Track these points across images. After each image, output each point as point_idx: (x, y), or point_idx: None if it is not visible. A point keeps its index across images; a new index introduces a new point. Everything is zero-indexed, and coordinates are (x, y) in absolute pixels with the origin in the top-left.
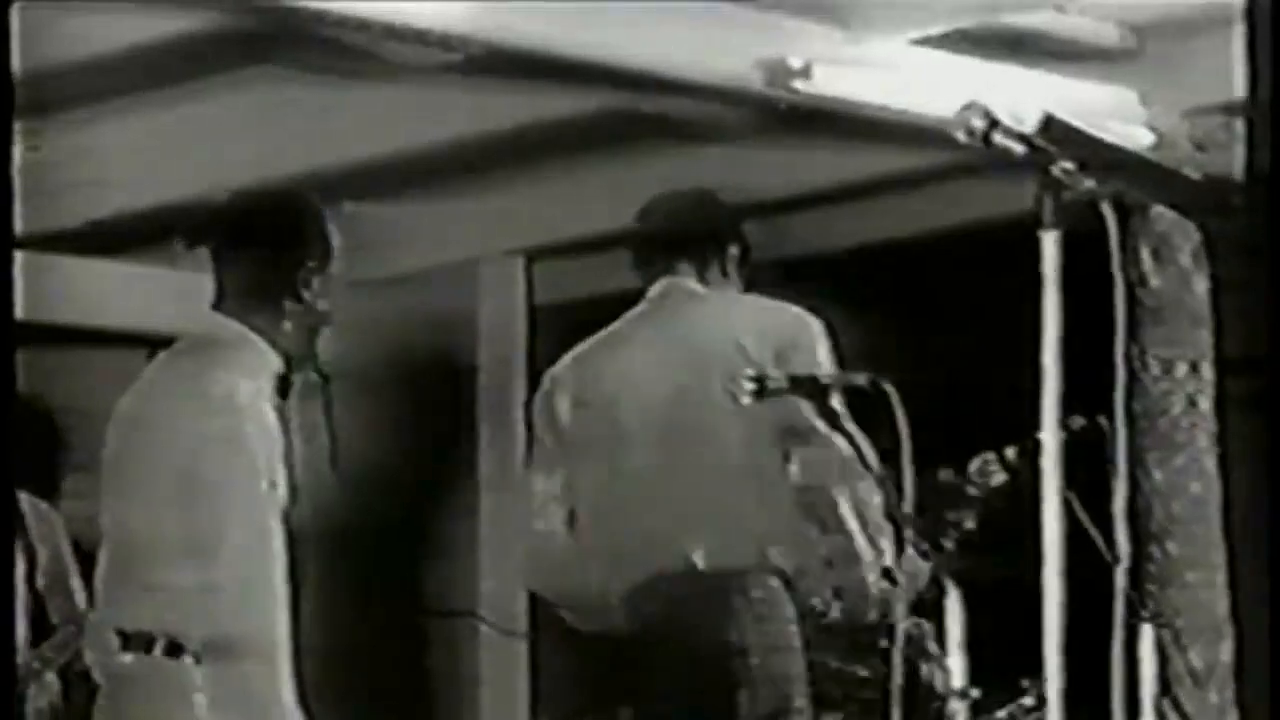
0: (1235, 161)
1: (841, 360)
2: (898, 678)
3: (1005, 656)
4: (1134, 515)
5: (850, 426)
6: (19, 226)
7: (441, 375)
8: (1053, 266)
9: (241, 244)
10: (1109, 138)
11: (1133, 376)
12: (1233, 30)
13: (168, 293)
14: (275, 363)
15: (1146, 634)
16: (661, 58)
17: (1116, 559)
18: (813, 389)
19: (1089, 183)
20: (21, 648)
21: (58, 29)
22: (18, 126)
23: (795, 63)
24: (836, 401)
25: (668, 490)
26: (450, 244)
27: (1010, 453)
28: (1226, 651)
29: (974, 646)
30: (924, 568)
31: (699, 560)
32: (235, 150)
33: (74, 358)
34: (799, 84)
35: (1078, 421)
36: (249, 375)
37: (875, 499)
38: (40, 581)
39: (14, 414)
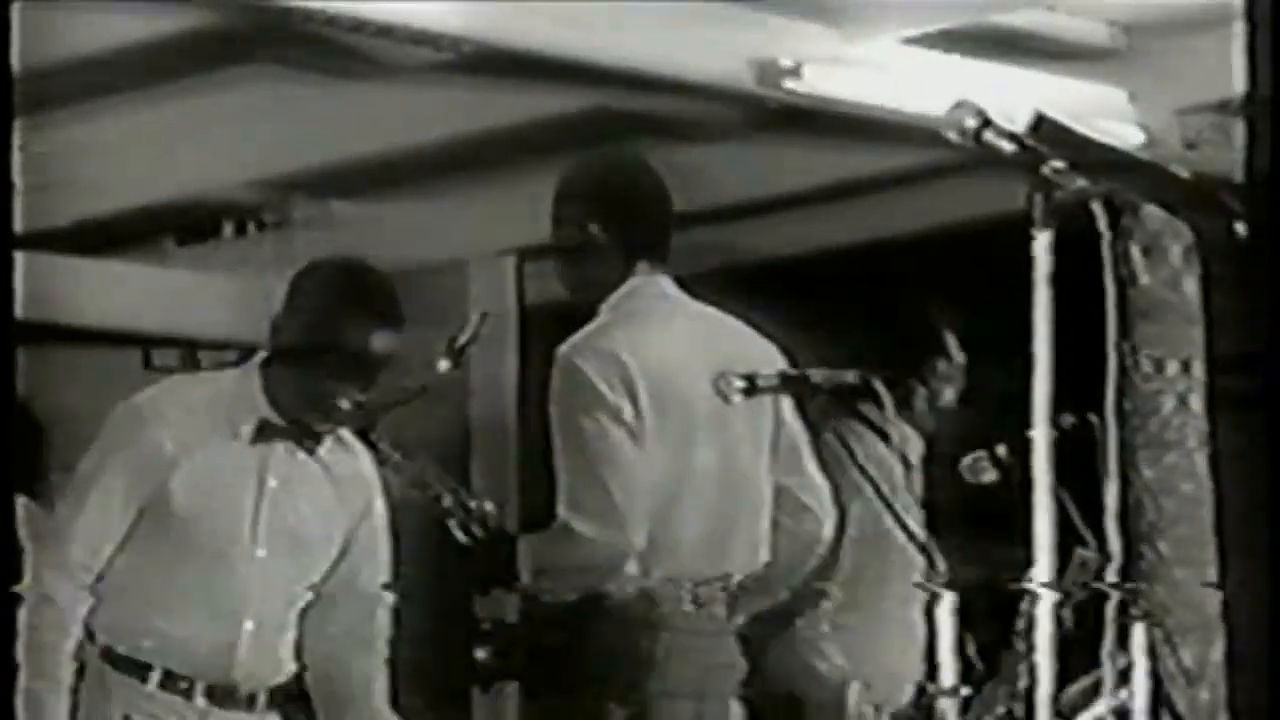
0: (1226, 160)
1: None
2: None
3: (996, 655)
4: (1125, 513)
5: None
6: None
7: (432, 374)
8: (1044, 265)
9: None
10: (1100, 137)
11: (1124, 375)
12: (1223, 29)
13: (159, 292)
14: (257, 404)
15: (1137, 632)
16: (652, 57)
17: (1107, 557)
18: (803, 387)
19: (1080, 182)
20: None
21: (50, 27)
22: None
23: (786, 62)
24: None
25: (728, 490)
26: (441, 243)
27: (1001, 450)
28: (1217, 650)
29: (963, 644)
30: None
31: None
32: (227, 149)
33: (65, 357)
34: (790, 83)
35: (1069, 419)
36: (196, 397)
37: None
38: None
39: (12, 414)
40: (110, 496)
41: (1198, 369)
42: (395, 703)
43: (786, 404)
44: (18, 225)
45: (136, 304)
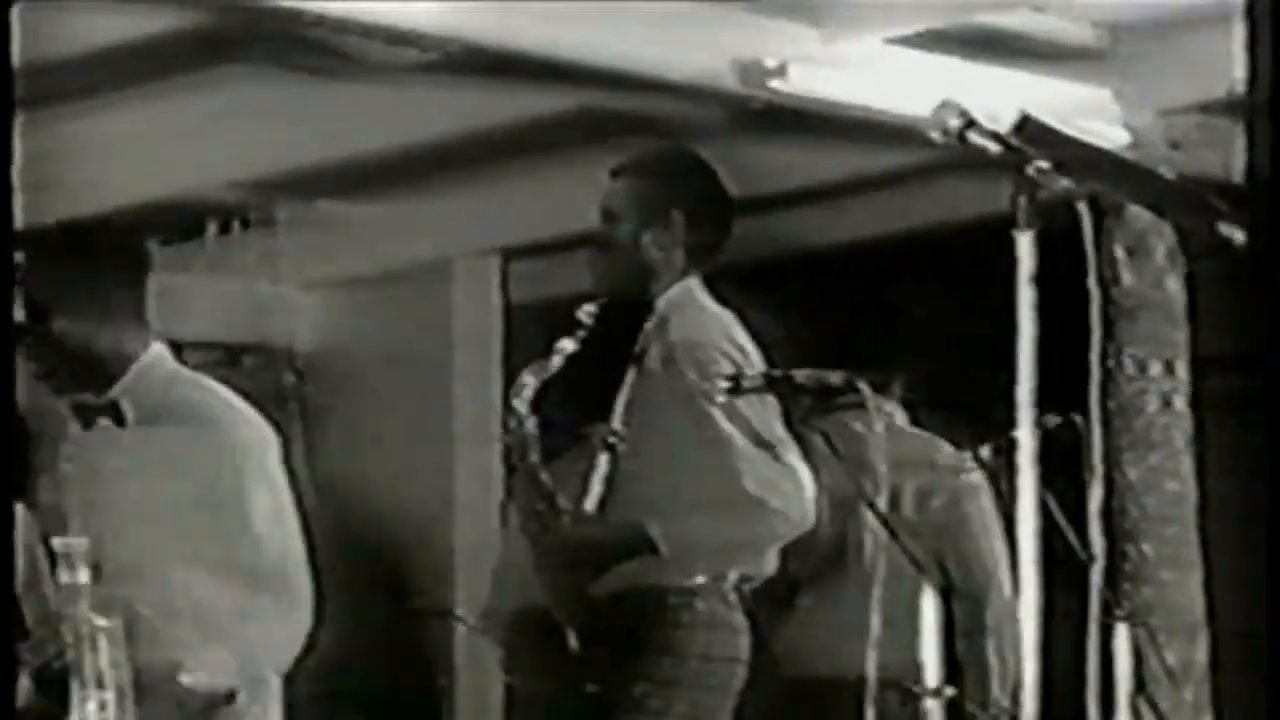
0: (1211, 161)
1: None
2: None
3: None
4: (1109, 514)
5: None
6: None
7: (416, 373)
8: (1028, 265)
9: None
10: (1084, 137)
11: (1108, 375)
12: (1208, 29)
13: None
14: None
15: (1122, 632)
16: (637, 57)
17: (1092, 558)
18: (787, 387)
19: (1064, 182)
20: None
21: (39, 27)
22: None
23: (770, 62)
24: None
25: None
26: (425, 242)
27: (985, 451)
28: (1202, 650)
29: (949, 644)
30: None
31: None
32: (210, 149)
33: None
34: (774, 83)
35: (1053, 420)
36: None
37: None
38: (18, 584)
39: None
40: None
41: (1182, 369)
42: None
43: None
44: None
45: None
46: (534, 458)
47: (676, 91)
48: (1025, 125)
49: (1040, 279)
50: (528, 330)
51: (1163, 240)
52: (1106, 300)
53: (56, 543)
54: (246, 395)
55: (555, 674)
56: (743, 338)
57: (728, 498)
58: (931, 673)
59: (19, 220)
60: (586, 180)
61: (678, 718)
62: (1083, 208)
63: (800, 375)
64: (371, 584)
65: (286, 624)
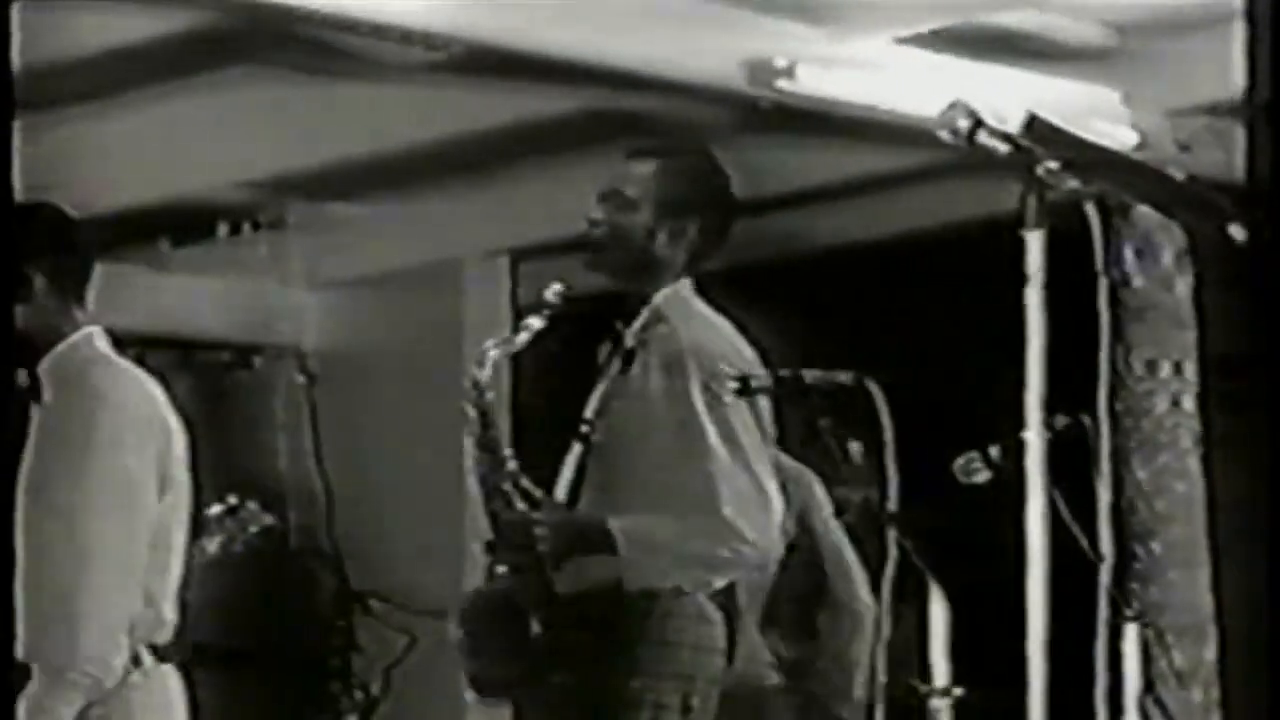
0: (1219, 161)
1: (816, 362)
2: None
3: (988, 656)
4: (1118, 514)
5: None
6: None
7: (426, 374)
8: (1036, 266)
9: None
10: (1093, 138)
11: (1116, 376)
12: (1217, 30)
13: (153, 293)
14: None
15: (1130, 633)
16: (645, 57)
17: (1100, 558)
18: (796, 388)
19: (1073, 183)
20: None
21: (43, 27)
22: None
23: (779, 62)
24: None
25: None
26: (434, 243)
27: (994, 451)
28: (1210, 650)
29: (957, 645)
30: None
31: None
32: (220, 150)
33: None
34: (782, 83)
35: (1061, 420)
36: None
37: None
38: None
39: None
40: None
41: (1190, 370)
42: None
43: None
44: None
45: (131, 305)
46: (494, 432)
47: (685, 91)
48: (1034, 126)
49: (1049, 280)
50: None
51: (1171, 241)
52: (1115, 301)
53: None
54: (256, 395)
55: (517, 661)
56: (746, 348)
57: (702, 514)
58: (940, 673)
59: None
60: (595, 180)
61: (673, 711)
62: (1091, 208)
63: (809, 376)
64: (376, 584)
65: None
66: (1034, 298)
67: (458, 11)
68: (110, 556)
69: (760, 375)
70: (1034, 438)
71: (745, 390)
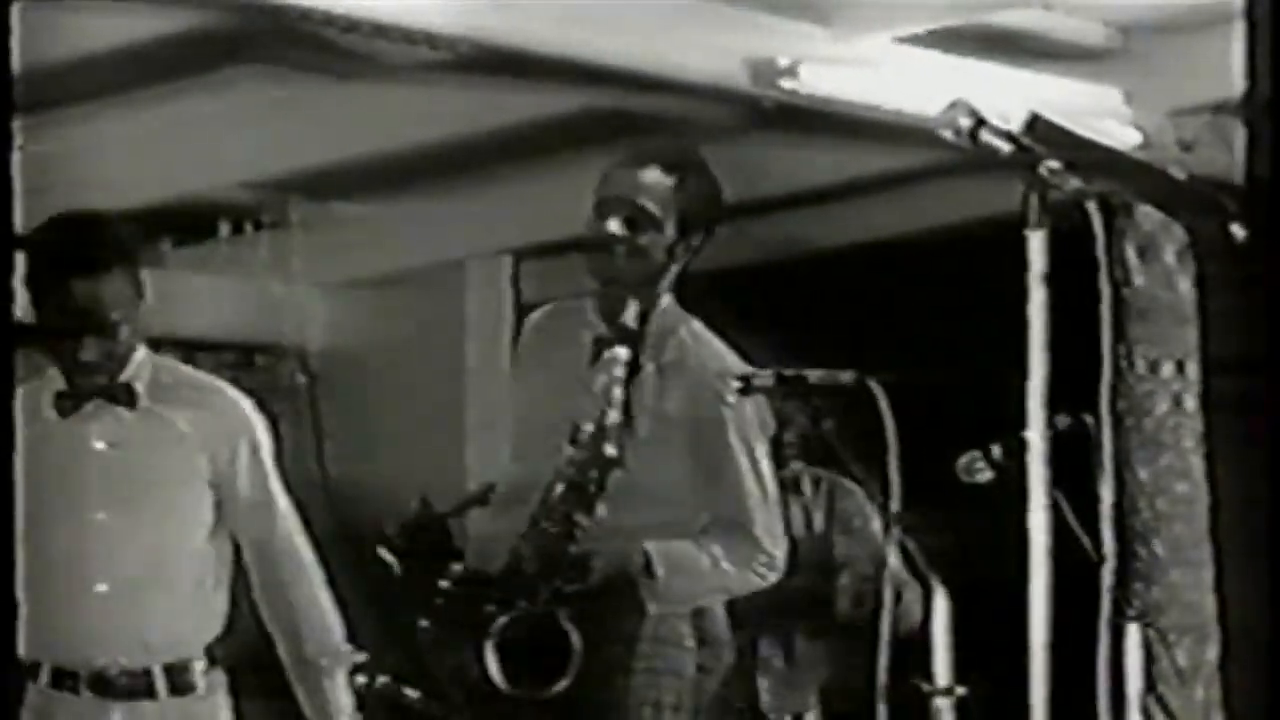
0: (1222, 161)
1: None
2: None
3: (990, 655)
4: (1120, 514)
5: None
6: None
7: (429, 373)
8: (1038, 265)
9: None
10: (1095, 137)
11: (1118, 375)
12: (1219, 29)
13: (156, 293)
14: (48, 377)
15: (1132, 632)
16: (648, 56)
17: (1102, 557)
18: (799, 387)
19: (1075, 182)
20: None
21: (46, 27)
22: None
23: (782, 61)
24: None
25: None
26: (438, 243)
27: (996, 451)
28: (1212, 650)
29: (959, 644)
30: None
31: None
32: (221, 150)
33: None
34: (785, 83)
35: (1063, 420)
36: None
37: None
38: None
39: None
40: None
41: (1192, 370)
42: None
43: None
44: (28, 226)
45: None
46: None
47: (688, 91)
48: (1036, 125)
49: (1051, 279)
50: None
51: (1173, 240)
52: (1117, 300)
53: None
54: (257, 395)
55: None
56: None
57: (735, 536)
58: (942, 672)
59: (39, 220)
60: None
61: (670, 710)
62: (1093, 208)
63: (813, 375)
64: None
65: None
66: (1036, 297)
67: (461, 11)
68: None
69: (763, 374)
70: (1036, 437)
71: (748, 390)
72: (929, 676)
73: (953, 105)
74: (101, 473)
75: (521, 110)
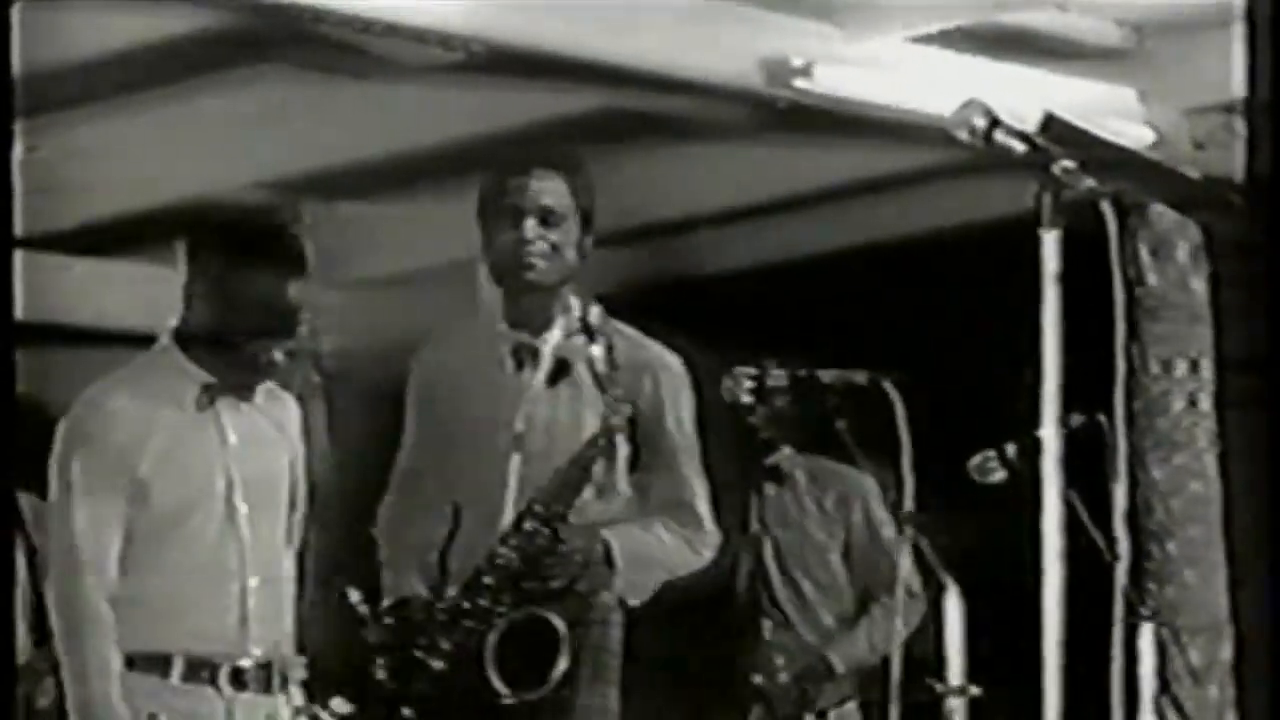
0: (1235, 160)
1: (831, 362)
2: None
3: (1004, 654)
4: (1134, 514)
5: None
6: (19, 226)
7: None
8: (1052, 265)
9: (209, 249)
10: (1109, 136)
11: (1132, 375)
12: (1232, 29)
13: (168, 293)
14: (189, 371)
15: (1146, 632)
16: (661, 56)
17: (1116, 557)
18: (811, 388)
19: (1089, 181)
20: (25, 647)
21: (57, 28)
22: (18, 126)
23: (795, 61)
24: None
25: None
26: (450, 243)
27: (1010, 450)
28: (1226, 650)
29: (973, 644)
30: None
31: None
32: (234, 150)
33: (72, 358)
34: (799, 83)
35: (1077, 419)
36: (136, 383)
37: None
38: (42, 581)
39: (12, 415)
40: (95, 501)
41: (1206, 369)
42: None
43: None
44: (29, 227)
45: (144, 305)
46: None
47: (702, 91)
48: (1050, 125)
49: (1065, 278)
50: None
51: (1187, 239)
52: (1131, 300)
53: None
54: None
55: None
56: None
57: (681, 514)
58: (956, 672)
59: (55, 221)
60: (610, 181)
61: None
62: (1107, 207)
63: (825, 376)
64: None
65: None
66: (1050, 296)
67: (474, 12)
68: None
69: (777, 375)
70: (1050, 437)
71: (761, 390)
72: (942, 677)
73: (966, 105)
74: (239, 465)
75: (534, 110)
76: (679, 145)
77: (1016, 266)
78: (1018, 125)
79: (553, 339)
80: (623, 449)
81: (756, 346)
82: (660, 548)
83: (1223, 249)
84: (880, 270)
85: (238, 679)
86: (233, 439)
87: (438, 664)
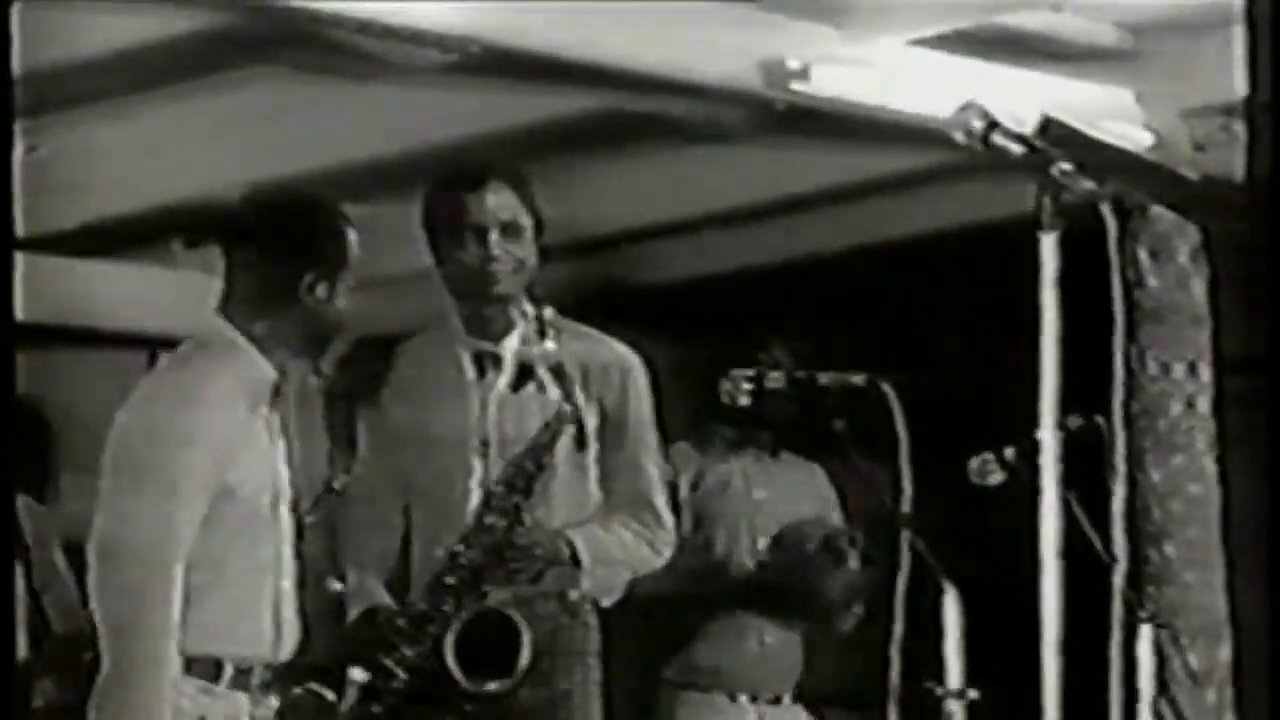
0: (1234, 162)
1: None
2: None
3: (1003, 657)
4: (1132, 516)
5: None
6: (19, 227)
7: None
8: (1051, 267)
9: (249, 246)
10: (1108, 139)
11: (1131, 377)
12: (1231, 30)
13: (168, 294)
14: (265, 371)
15: (1144, 634)
16: (659, 58)
17: (1115, 559)
18: (810, 389)
19: (1088, 184)
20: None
21: (56, 28)
22: (18, 126)
23: (793, 63)
24: None
25: None
26: None
27: (1009, 452)
28: (1225, 652)
29: (971, 647)
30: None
31: None
32: (234, 151)
33: (72, 359)
34: (797, 84)
35: (1076, 422)
36: (226, 380)
37: None
38: (36, 581)
39: (12, 415)
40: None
41: (1205, 371)
42: None
43: None
44: (29, 227)
45: (145, 306)
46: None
47: (700, 93)
48: (1048, 127)
49: (1064, 280)
50: None
51: (1186, 241)
52: (1130, 302)
53: None
54: None
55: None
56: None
57: (641, 512)
58: (954, 674)
59: (52, 221)
60: (609, 183)
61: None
62: (1106, 209)
63: (824, 377)
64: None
65: None
66: (1049, 299)
67: (472, 13)
68: None
69: (775, 377)
70: (1048, 439)
71: (760, 391)
72: (941, 679)
73: (965, 107)
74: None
75: (531, 112)
76: (677, 147)
77: (1015, 269)
78: (1016, 127)
79: (513, 344)
80: (592, 449)
81: (753, 348)
82: (621, 548)
83: (1223, 250)
84: (879, 272)
85: (267, 683)
86: (280, 440)
87: (404, 675)
